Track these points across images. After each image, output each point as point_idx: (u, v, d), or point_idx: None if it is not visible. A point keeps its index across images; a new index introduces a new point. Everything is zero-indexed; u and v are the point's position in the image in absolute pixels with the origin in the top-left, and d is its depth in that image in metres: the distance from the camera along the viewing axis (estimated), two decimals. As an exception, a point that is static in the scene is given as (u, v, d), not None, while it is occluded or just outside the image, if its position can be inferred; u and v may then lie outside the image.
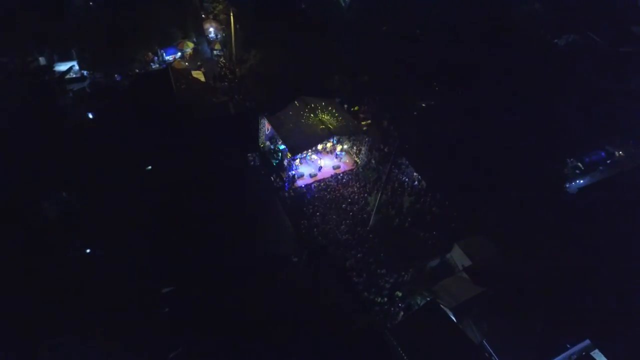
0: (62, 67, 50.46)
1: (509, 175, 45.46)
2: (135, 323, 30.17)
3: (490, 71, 57.90)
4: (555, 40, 72.30)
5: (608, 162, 52.69)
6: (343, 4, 71.06)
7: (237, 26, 58.49)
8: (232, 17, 54.83)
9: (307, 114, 42.39)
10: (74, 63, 51.63)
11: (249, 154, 41.04)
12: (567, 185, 49.88)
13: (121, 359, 28.67)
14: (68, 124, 45.24)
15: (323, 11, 67.01)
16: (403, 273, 37.30)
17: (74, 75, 51.60)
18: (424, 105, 55.53)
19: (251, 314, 29.88)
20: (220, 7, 59.04)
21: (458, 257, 37.67)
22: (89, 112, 48.40)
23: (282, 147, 43.45)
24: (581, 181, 51.29)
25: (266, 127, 44.49)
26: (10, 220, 34.19)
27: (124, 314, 30.31)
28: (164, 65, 55.59)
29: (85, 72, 52.49)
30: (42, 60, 51.25)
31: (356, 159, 46.70)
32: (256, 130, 43.20)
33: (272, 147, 45.45)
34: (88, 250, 37.21)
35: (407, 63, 57.41)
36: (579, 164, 51.38)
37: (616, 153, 53.98)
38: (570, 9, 74.41)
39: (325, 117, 42.55)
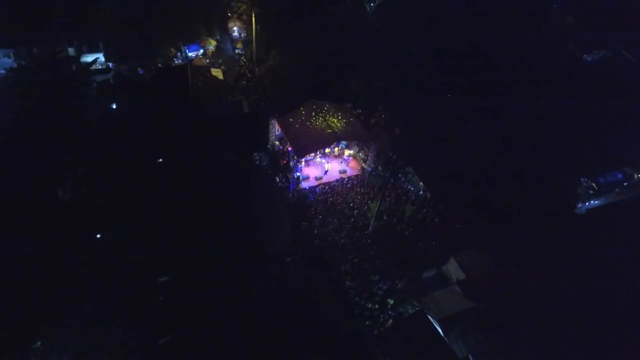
0: (88, 58, 52.74)
1: (518, 190, 44.97)
2: (131, 308, 31.59)
3: (513, 85, 57.24)
4: (585, 56, 70.76)
5: (625, 184, 51.19)
6: (368, 9, 71.09)
7: (259, 27, 59.72)
8: (253, 17, 55.89)
9: (316, 117, 43.11)
10: (100, 55, 53.80)
11: (255, 154, 41.93)
12: (579, 205, 48.88)
13: (112, 340, 29.99)
14: (90, 113, 47.39)
15: (346, 15, 67.36)
16: (397, 281, 37.52)
17: (100, 67, 53.86)
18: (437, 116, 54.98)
19: (238, 308, 30.76)
20: (244, 7, 60.30)
21: (454, 269, 37.65)
22: (112, 102, 50.61)
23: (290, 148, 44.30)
24: (595, 202, 50.09)
25: (276, 127, 45.39)
26: (25, 204, 36.02)
27: (121, 298, 31.81)
28: (186, 61, 57.38)
29: (110, 64, 54.70)
30: (71, 51, 53.66)
31: (363, 164, 47.05)
32: (264, 130, 44.13)
33: (281, 147, 46.35)
34: (98, 236, 39.02)
35: (428, 74, 57.33)
36: (594, 184, 50.15)
37: (635, 175, 52.41)
38: (603, 25, 72.47)
39: (333, 121, 43.16)
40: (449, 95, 56.09)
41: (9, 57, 51.25)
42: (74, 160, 41.29)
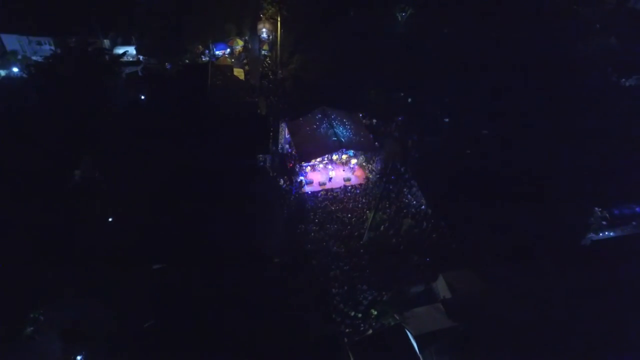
0: (121, 50, 55.70)
1: (524, 214, 44.28)
2: (123, 289, 33.59)
3: (539, 105, 56.18)
4: (623, 79, 68.27)
5: (643, 218, 49.32)
6: (400, 18, 71.10)
7: (284, 30, 61.18)
8: (279, 20, 57.32)
9: (323, 124, 43.96)
10: (132, 48, 56.69)
11: (260, 155, 43.24)
12: (590, 235, 47.54)
13: (102, 319, 32.05)
14: (117, 102, 50.05)
15: (375, 23, 67.70)
16: (383, 292, 37.92)
17: (131, 59, 56.77)
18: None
19: (220, 302, 32.17)
20: (272, 9, 61.84)
21: (442, 288, 37.68)
22: (140, 93, 53.37)
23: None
24: (609, 233, 48.52)
25: (286, 131, 46.60)
26: (42, 184, 38.72)
27: (116, 278, 33.90)
28: (213, 59, 59.62)
29: (141, 57, 57.56)
30: (106, 43, 56.82)
31: (369, 174, 47.56)
32: (270, 133, 45.40)
33: (289, 150, 47.53)
34: (110, 219, 41.42)
35: (452, 91, 56.99)
36: (607, 215, 48.55)
37: (655, 210, 50.32)
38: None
39: (340, 130, 43.85)
40: (469, 115, 55.52)
41: (50, 44, 54.95)
42: (94, 144, 43.82)
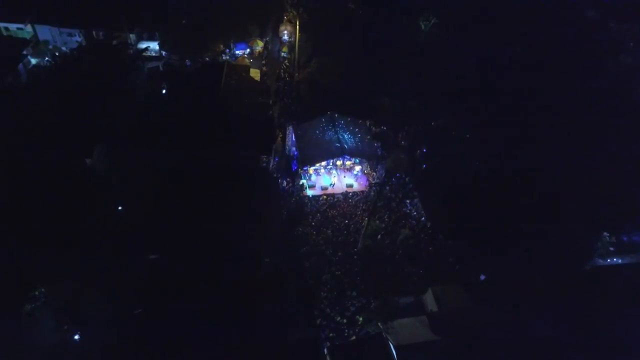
0: (144, 45, 57.86)
1: (527, 235, 43.76)
2: (117, 276, 35.21)
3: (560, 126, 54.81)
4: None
5: (654, 247, 47.80)
6: (423, 27, 70.71)
7: (304, 34, 62.07)
8: (297, 24, 58.24)
9: (328, 129, 44.60)
10: (155, 43, 58.76)
11: (262, 155, 44.23)
12: (595, 260, 46.52)
13: (97, 301, 33.79)
14: (136, 96, 52.00)
15: (397, 30, 67.60)
16: (372, 300, 38.27)
17: (154, 54, 58.89)
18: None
19: (210, 297, 33.35)
20: (293, 13, 62.75)
21: (430, 301, 37.73)
22: (161, 87, 55.33)
23: (300, 155, 46.29)
24: (616, 260, 47.33)
25: (292, 134, 47.47)
26: (55, 169, 40.87)
27: (112, 266, 35.60)
28: (233, 59, 61.15)
29: (163, 53, 59.61)
30: (132, 38, 59.07)
31: (372, 181, 47.87)
32: (274, 135, 46.31)
33: (296, 153, 48.32)
34: (120, 208, 43.28)
35: (470, 105, 56.11)
36: (616, 240, 47.36)
37: (667, 240, 48.70)
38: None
39: (344, 136, 44.42)
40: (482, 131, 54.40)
41: (80, 36, 57.56)
42: (108, 134, 45.77)
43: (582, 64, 64.47)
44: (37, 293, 34.77)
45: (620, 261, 47.18)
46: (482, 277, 41.93)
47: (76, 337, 34.14)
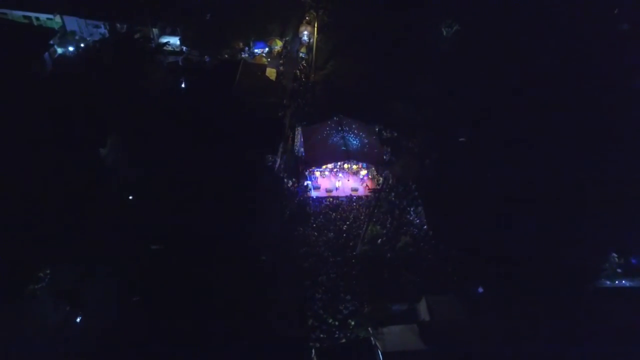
0: (165, 39, 59.33)
1: (533, 251, 43.30)
2: (121, 264, 36.54)
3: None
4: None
5: (665, 272, 46.39)
6: (445, 33, 70.18)
7: (324, 36, 62.53)
8: (316, 25, 58.69)
9: (335, 132, 44.95)
10: (176, 38, 60.17)
11: (268, 155, 44.91)
12: (601, 281, 45.55)
13: (100, 285, 35.16)
14: (154, 89, 53.37)
15: (419, 36, 67.28)
16: (365, 305, 38.50)
17: (174, 49, 60.32)
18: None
19: (204, 290, 34.29)
20: (313, 14, 63.15)
21: (423, 310, 37.70)
22: (180, 82, 56.71)
23: (305, 157, 46.80)
24: (624, 283, 46.21)
25: (300, 135, 48.01)
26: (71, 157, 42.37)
27: (118, 250, 36.97)
28: (251, 57, 62.08)
29: (184, 48, 60.99)
30: (154, 32, 60.58)
31: (377, 186, 47.96)
32: (282, 135, 46.86)
33: (304, 154, 48.77)
34: (130, 197, 44.68)
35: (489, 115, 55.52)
36: (624, 262, 46.22)
37: (679, 265, 47.18)
38: None
39: (350, 141, 44.68)
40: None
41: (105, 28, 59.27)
42: (124, 125, 47.23)
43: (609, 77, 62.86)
44: (42, 274, 36.21)
45: (628, 284, 46.06)
46: (480, 290, 41.57)
47: (78, 319, 35.60)
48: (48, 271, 36.63)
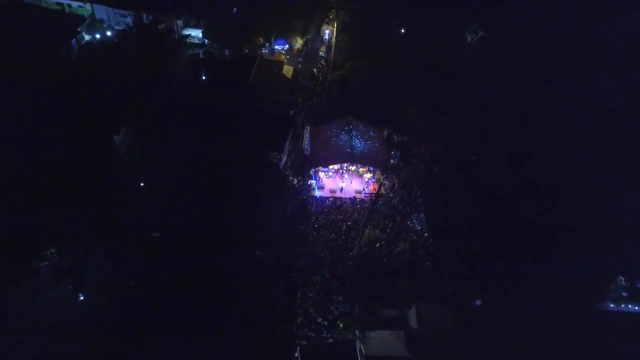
0: (188, 32, 60.70)
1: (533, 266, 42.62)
2: (123, 248, 37.94)
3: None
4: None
5: (674, 300, 44.85)
6: (469, 39, 69.06)
7: (345, 35, 62.61)
8: (335, 25, 58.87)
9: (342, 133, 45.17)
10: (199, 31, 61.45)
11: (273, 152, 45.50)
12: (606, 304, 44.43)
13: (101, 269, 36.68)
14: (176, 80, 54.69)
15: (441, 39, 66.44)
16: (356, 307, 38.78)
17: (197, 41, 61.65)
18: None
19: (197, 280, 35.35)
20: (334, 14, 63.25)
21: (412, 317, 37.75)
22: (200, 74, 57.93)
23: (312, 156, 47.21)
24: (632, 307, 44.94)
25: (308, 134, 48.45)
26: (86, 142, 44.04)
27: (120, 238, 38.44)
28: (271, 53, 62.79)
29: (206, 41, 62.22)
30: (179, 24, 61.99)
31: (382, 190, 47.95)
32: (289, 133, 47.32)
33: (310, 153, 49.22)
34: (142, 184, 46.12)
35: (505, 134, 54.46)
36: (630, 286, 44.93)
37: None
38: None
39: (357, 143, 44.83)
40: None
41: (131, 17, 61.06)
42: (139, 114, 48.72)
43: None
44: (47, 252, 37.96)
45: (636, 308, 44.80)
46: (478, 303, 41.26)
47: (81, 297, 37.21)
48: (53, 250, 38.35)
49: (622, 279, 45.56)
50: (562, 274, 42.34)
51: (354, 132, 45.73)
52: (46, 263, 37.41)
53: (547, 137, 53.28)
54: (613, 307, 44.29)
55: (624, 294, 44.89)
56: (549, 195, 47.78)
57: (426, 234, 44.95)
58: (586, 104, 58.38)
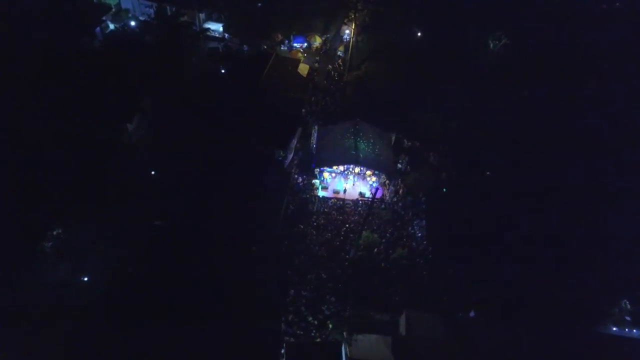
0: (208, 25, 61.71)
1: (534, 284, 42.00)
2: (126, 234, 39.12)
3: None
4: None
5: (679, 327, 43.35)
6: (492, 45, 67.80)
7: (364, 36, 62.46)
8: (354, 25, 58.77)
9: (349, 135, 45.24)
10: (219, 25, 62.37)
11: (278, 150, 45.94)
12: (609, 327, 43.35)
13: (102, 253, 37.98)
14: (195, 72, 55.73)
15: (462, 45, 65.45)
16: (348, 309, 38.95)
17: (217, 35, 62.60)
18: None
19: (191, 271, 36.25)
20: (354, 14, 63.04)
21: (402, 323, 37.64)
22: (219, 67, 58.91)
23: (318, 156, 47.44)
24: (636, 332, 43.72)
25: (316, 134, 48.69)
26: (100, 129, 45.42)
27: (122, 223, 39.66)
28: (289, 50, 63.23)
29: (226, 35, 63.12)
30: (201, 17, 63.07)
31: (386, 194, 47.90)
32: (294, 131, 47.61)
33: (316, 153, 49.43)
34: (153, 172, 47.31)
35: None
36: (634, 310, 43.67)
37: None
38: None
39: (362, 145, 44.83)
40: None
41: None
42: (153, 105, 49.97)
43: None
44: (54, 233, 39.49)
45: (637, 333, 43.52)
46: (472, 314, 40.91)
47: (85, 278, 38.54)
48: (60, 231, 39.86)
49: (627, 302, 44.39)
50: (566, 294, 41.58)
51: (360, 135, 45.70)
52: (51, 244, 38.78)
53: (568, 151, 51.63)
54: (615, 331, 43.12)
55: (627, 318, 43.70)
56: (561, 212, 46.72)
57: (425, 242, 44.65)
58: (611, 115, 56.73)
